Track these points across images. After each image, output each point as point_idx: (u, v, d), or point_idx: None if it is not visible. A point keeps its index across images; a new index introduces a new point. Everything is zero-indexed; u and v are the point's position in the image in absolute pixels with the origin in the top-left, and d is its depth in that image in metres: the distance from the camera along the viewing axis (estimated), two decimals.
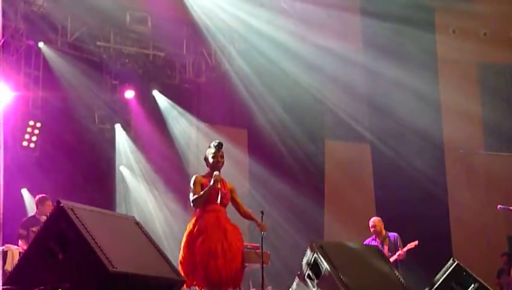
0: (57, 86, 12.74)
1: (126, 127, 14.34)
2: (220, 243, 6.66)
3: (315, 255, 6.52)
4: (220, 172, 6.88)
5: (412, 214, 13.22)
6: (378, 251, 7.30)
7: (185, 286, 6.69)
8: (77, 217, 5.13)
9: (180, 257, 6.84)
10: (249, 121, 14.59)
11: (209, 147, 7.08)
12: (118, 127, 14.26)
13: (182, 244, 6.85)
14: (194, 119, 14.60)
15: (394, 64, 14.30)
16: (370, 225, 10.15)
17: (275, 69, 14.23)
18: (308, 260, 6.64)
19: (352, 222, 13.43)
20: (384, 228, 10.14)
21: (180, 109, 14.48)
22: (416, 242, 9.78)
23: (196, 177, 6.98)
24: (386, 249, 9.80)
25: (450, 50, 15.42)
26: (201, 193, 6.80)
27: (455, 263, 7.21)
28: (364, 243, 9.98)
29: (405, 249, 9.76)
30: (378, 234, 10.05)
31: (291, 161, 14.54)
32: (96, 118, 13.95)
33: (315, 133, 15.13)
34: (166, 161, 14.04)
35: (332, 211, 14.83)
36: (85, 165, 13.11)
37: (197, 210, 6.96)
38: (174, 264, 5.81)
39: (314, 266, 6.50)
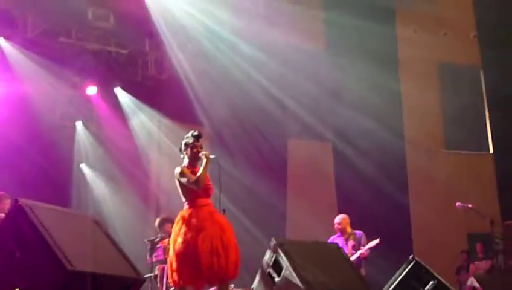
0: (17, 82, 12.56)
1: (88, 124, 14.21)
2: (219, 240, 6.50)
3: (276, 253, 6.54)
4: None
5: (373, 211, 13.32)
6: (337, 249, 7.35)
7: (175, 286, 6.61)
8: (35, 216, 5.08)
9: (174, 256, 6.56)
10: (211, 119, 14.54)
11: (186, 137, 6.91)
12: (79, 125, 14.12)
13: (178, 244, 6.56)
14: (156, 116, 14.53)
15: (356, 62, 14.43)
16: (335, 223, 10.16)
17: (238, 67, 14.22)
18: (269, 257, 6.66)
19: (314, 220, 13.48)
20: (350, 226, 10.17)
21: (142, 106, 14.39)
22: (377, 240, 9.83)
23: (182, 167, 6.77)
24: (350, 247, 9.85)
25: (411, 49, 15.58)
26: (200, 171, 6.61)
27: (414, 260, 7.29)
28: (329, 240, 10.02)
29: (366, 247, 9.80)
30: (343, 231, 10.06)
31: (253, 159, 14.54)
32: (57, 115, 13.79)
33: (278, 131, 15.15)
34: (127, 158, 13.95)
35: (295, 208, 14.88)
36: (43, 163, 12.90)
37: (187, 205, 6.76)
38: (134, 262, 5.76)
39: (275, 263, 6.52)
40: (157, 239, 9.93)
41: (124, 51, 13.83)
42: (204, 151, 6.77)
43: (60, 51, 13.27)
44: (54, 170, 13.32)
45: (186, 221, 6.63)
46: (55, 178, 13.21)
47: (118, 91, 14.35)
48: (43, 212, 5.23)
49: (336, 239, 10.04)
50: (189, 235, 6.53)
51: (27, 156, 12.47)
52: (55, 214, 5.55)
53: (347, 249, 9.70)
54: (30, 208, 5.12)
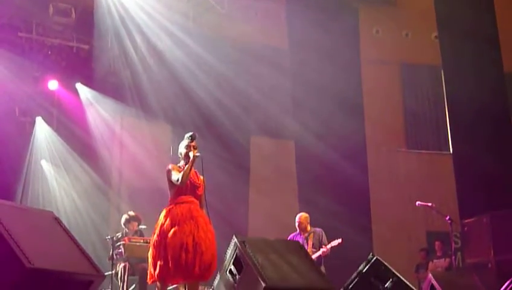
0: None
1: (48, 120, 14.03)
2: (191, 236, 6.53)
3: (237, 250, 6.54)
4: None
5: (334, 209, 13.39)
6: (299, 246, 7.38)
7: (151, 280, 6.68)
8: None
9: (151, 250, 6.68)
10: (173, 116, 14.50)
11: (183, 140, 7.01)
12: (39, 120, 13.93)
13: (154, 237, 6.70)
14: (118, 113, 14.44)
15: (319, 61, 14.50)
16: (296, 221, 10.21)
17: (200, 65, 14.20)
18: (230, 254, 6.65)
19: (275, 218, 13.54)
20: (310, 224, 10.23)
21: (104, 102, 14.28)
22: (339, 240, 9.90)
23: (172, 165, 6.90)
24: (310, 245, 9.90)
25: (374, 49, 15.73)
26: (185, 168, 6.73)
27: (374, 258, 7.35)
28: (289, 238, 10.07)
29: (329, 246, 9.87)
30: (303, 229, 10.13)
31: (216, 156, 14.51)
32: (16, 110, 13.58)
33: (241, 128, 15.15)
34: (88, 154, 13.83)
35: (256, 206, 14.93)
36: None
37: (169, 201, 6.85)
38: (94, 259, 5.70)
39: (236, 260, 6.52)
40: (120, 236, 9.87)
41: (85, 47, 13.72)
42: (196, 151, 6.81)
43: (20, 46, 13.09)
44: (12, 166, 13.12)
45: (165, 216, 6.74)
46: (12, 174, 13.02)
47: (79, 87, 14.20)
48: (0, 208, 5.12)
49: (296, 237, 10.09)
50: (163, 229, 6.63)
51: None
52: (14, 210, 5.45)
53: (307, 247, 9.77)
54: None
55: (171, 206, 6.79)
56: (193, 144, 6.90)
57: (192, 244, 6.52)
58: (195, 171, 6.94)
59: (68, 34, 13.42)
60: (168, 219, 6.68)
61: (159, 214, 6.84)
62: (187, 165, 6.72)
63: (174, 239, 6.52)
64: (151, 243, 6.75)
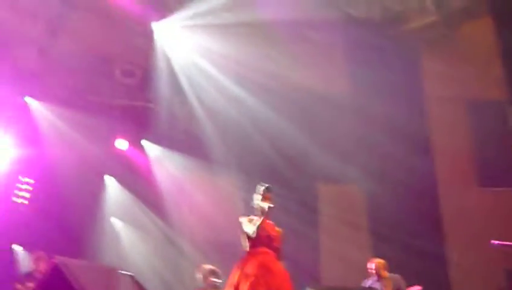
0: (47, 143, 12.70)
1: (119, 178, 14.27)
2: (264, 283, 6.52)
3: None
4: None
5: (408, 253, 13.08)
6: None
7: None
8: (72, 274, 5.04)
9: None
10: (240, 167, 14.53)
11: (257, 191, 7.01)
12: (109, 179, 14.22)
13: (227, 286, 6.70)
14: (185, 167, 14.61)
15: (382, 102, 14.39)
16: (371, 267, 10.03)
17: (262, 116, 14.31)
18: None
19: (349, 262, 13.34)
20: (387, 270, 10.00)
21: (171, 157, 14.48)
22: (419, 288, 9.68)
23: (247, 217, 6.95)
24: None
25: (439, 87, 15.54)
26: (257, 223, 6.73)
27: None
28: (367, 284, 9.90)
29: None
30: (379, 276, 9.91)
31: (283, 204, 14.44)
32: (88, 170, 13.85)
33: (306, 175, 15.03)
34: (159, 210, 13.98)
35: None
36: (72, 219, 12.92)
37: (245, 254, 6.84)
38: None
39: None
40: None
41: (151, 105, 13.97)
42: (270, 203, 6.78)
43: (90, 108, 13.41)
44: (83, 224, 13.33)
45: (239, 266, 6.75)
46: (83, 233, 13.23)
47: (146, 143, 14.42)
48: (78, 269, 5.18)
49: (374, 283, 9.88)
50: (237, 280, 6.61)
51: (53, 215, 12.48)
52: (91, 271, 5.51)
53: None
54: (66, 266, 5.09)
55: (245, 257, 6.74)
56: (268, 195, 6.86)
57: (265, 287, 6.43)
58: (272, 223, 6.88)
59: (133, 94, 13.69)
60: (242, 269, 6.67)
61: (232, 267, 6.79)
62: (261, 217, 6.66)
63: (244, 284, 6.50)
64: None
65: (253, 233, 6.63)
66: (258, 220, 6.71)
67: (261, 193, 6.90)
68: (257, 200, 6.91)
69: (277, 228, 6.95)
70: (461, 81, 15.71)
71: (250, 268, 6.57)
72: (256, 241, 6.71)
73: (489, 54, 15.00)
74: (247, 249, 6.78)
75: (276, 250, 6.81)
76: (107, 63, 12.72)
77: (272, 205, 6.74)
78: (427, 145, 15.34)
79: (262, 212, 6.76)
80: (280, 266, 6.77)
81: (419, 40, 15.60)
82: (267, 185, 6.93)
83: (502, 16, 12.43)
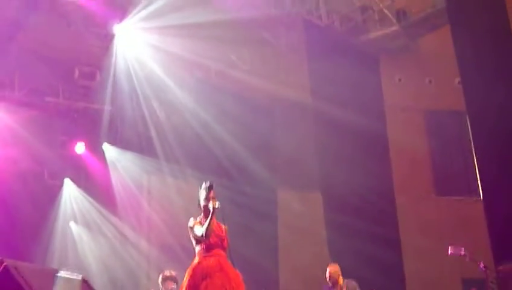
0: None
1: (76, 182, 14.12)
2: (224, 288, 6.40)
3: None
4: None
5: (365, 259, 13.15)
6: None
7: None
8: (22, 276, 4.97)
9: None
10: (198, 170, 14.49)
11: (200, 189, 6.86)
12: (67, 182, 14.06)
13: None
14: (144, 169, 14.53)
15: (342, 112, 14.49)
16: (327, 274, 9.98)
17: (224, 119, 14.29)
18: None
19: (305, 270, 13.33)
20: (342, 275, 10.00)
21: (130, 160, 14.40)
22: None
23: (193, 220, 6.74)
24: None
25: (397, 97, 15.69)
26: (206, 223, 6.53)
27: None
28: None
29: None
30: (334, 283, 9.84)
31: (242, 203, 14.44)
32: (45, 173, 13.72)
33: (267, 180, 15.05)
34: (116, 212, 13.87)
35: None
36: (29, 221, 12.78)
37: (196, 256, 6.70)
38: None
39: None
40: None
41: (109, 107, 13.87)
42: (216, 201, 6.66)
43: (47, 110, 13.27)
44: (40, 228, 13.17)
45: (193, 269, 6.59)
46: (40, 236, 13.05)
47: (106, 146, 14.31)
48: (29, 272, 5.11)
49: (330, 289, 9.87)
50: (193, 283, 6.48)
51: (7, 218, 12.31)
52: (42, 273, 5.43)
53: None
54: (16, 268, 5.01)
55: (198, 259, 6.65)
56: (211, 194, 6.74)
57: None
58: (218, 223, 6.76)
59: (92, 96, 13.58)
60: (196, 272, 6.53)
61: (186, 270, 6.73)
62: (209, 219, 6.57)
63: None
64: None
65: (202, 236, 6.53)
66: (206, 222, 6.56)
67: (205, 191, 6.75)
68: (203, 200, 6.77)
69: (223, 226, 6.82)
70: (419, 90, 15.92)
71: (204, 271, 6.50)
72: (206, 243, 6.60)
73: (447, 64, 15.21)
74: (199, 251, 6.68)
75: (225, 250, 6.74)
76: (66, 64, 12.56)
77: (218, 206, 6.59)
78: (386, 153, 15.49)
79: (210, 212, 6.62)
80: (232, 268, 6.70)
81: (379, 50, 15.77)
82: (208, 183, 6.77)
83: (459, 26, 12.59)
